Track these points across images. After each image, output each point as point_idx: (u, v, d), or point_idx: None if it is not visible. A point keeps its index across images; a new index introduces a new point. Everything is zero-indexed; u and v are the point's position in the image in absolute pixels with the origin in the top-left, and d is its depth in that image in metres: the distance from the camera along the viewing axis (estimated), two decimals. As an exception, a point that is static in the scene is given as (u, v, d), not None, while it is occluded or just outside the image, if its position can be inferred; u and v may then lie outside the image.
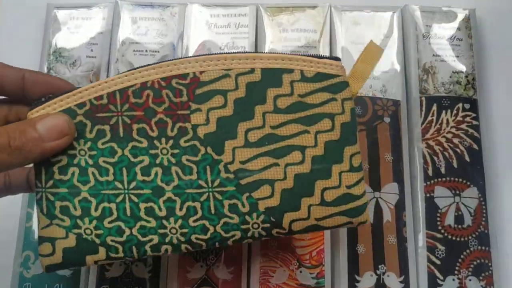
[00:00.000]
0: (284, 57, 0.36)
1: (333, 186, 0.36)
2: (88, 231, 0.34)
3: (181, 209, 0.35)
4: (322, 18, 0.52)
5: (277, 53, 0.36)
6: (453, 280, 0.45)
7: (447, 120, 0.49)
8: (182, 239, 0.35)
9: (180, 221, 0.35)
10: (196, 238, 0.35)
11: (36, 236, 0.47)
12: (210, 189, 0.35)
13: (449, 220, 0.47)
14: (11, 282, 0.46)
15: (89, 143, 0.34)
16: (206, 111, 0.35)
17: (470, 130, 0.49)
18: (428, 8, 0.52)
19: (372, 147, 0.48)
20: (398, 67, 0.50)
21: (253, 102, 0.35)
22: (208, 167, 0.35)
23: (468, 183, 0.47)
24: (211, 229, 0.35)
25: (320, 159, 0.36)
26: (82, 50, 0.52)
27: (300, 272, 0.45)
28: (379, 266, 0.46)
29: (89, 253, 0.34)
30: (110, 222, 0.34)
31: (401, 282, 0.45)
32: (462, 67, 0.50)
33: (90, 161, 0.34)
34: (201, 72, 0.35)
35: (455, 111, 0.49)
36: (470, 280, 0.45)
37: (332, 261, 0.46)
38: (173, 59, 0.35)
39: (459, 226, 0.46)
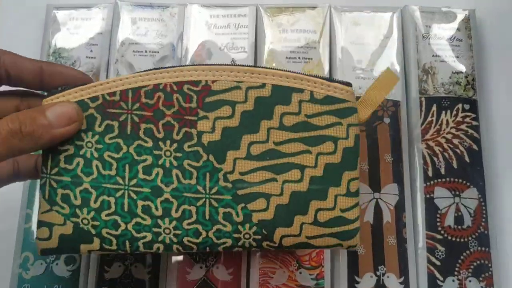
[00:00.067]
0: (296, 76, 0.37)
1: (327, 207, 0.36)
2: (85, 221, 0.35)
3: (177, 211, 0.35)
4: (322, 19, 0.52)
5: (290, 71, 0.37)
6: (453, 281, 0.45)
7: (447, 120, 0.49)
8: (175, 240, 0.36)
9: (174, 223, 0.35)
10: (188, 241, 0.36)
11: (35, 237, 0.46)
12: (207, 196, 0.36)
13: (449, 221, 0.47)
14: (10, 283, 0.46)
15: (96, 137, 0.35)
16: (213, 120, 0.36)
17: (470, 131, 0.49)
18: (428, 9, 0.52)
19: (372, 147, 0.48)
20: (397, 68, 0.50)
21: (260, 117, 0.36)
22: (208, 174, 0.36)
23: (468, 183, 0.47)
24: (204, 234, 0.36)
25: (318, 180, 0.36)
26: (82, 50, 0.52)
27: (300, 273, 0.45)
28: (379, 267, 0.46)
29: (84, 242, 0.35)
30: (107, 215, 0.35)
31: (401, 283, 0.45)
32: (462, 68, 0.50)
33: (96, 154, 0.35)
34: (213, 81, 0.36)
35: (454, 112, 0.49)
36: (470, 281, 0.45)
37: (331, 262, 0.46)
38: (187, 65, 0.36)
39: (459, 227, 0.46)
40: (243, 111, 0.36)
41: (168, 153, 0.36)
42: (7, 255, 0.47)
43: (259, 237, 0.36)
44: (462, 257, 0.46)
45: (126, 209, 0.35)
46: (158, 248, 0.36)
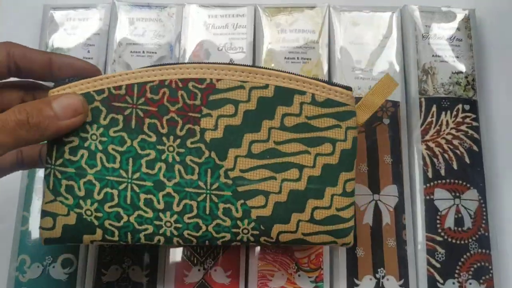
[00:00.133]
0: (299, 79, 0.38)
1: (324, 206, 0.38)
2: (88, 212, 0.36)
3: (178, 205, 0.37)
4: (321, 19, 0.51)
5: (293, 73, 0.38)
6: (453, 283, 0.45)
7: (447, 121, 0.48)
8: (175, 233, 0.37)
9: (175, 216, 0.37)
10: (188, 234, 0.37)
11: (32, 239, 0.46)
12: (208, 191, 0.37)
13: (449, 222, 0.46)
14: (7, 286, 0.46)
15: (101, 129, 0.36)
16: (216, 117, 0.37)
17: (470, 132, 0.48)
18: (428, 8, 0.52)
19: (371, 149, 0.47)
20: (397, 68, 0.50)
21: (262, 116, 0.37)
22: (209, 170, 0.37)
23: (468, 185, 0.47)
24: (203, 228, 0.37)
25: (316, 179, 0.38)
26: (79, 51, 0.52)
27: (299, 275, 0.45)
28: (379, 270, 0.45)
29: (86, 232, 0.36)
30: (110, 207, 0.36)
31: (400, 285, 0.45)
32: (462, 68, 0.50)
33: (100, 147, 0.36)
34: (217, 80, 0.37)
35: (454, 112, 0.49)
36: (470, 283, 0.45)
37: (330, 265, 0.46)
38: (193, 62, 0.37)
39: (459, 229, 0.46)
40: (245, 110, 0.37)
41: (171, 149, 0.37)
42: (4, 258, 0.47)
43: (257, 232, 0.37)
44: (462, 259, 0.45)
45: (129, 201, 0.36)
46: (159, 240, 0.37)
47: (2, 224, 0.49)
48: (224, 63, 0.37)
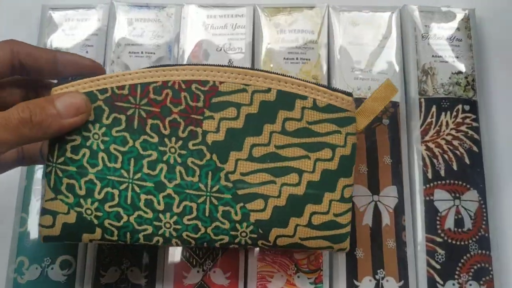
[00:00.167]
0: (301, 84, 0.38)
1: (321, 211, 0.38)
2: (88, 211, 0.36)
3: (178, 206, 0.37)
4: (320, 19, 0.51)
5: (295, 77, 0.38)
6: (453, 285, 0.45)
7: (447, 122, 0.48)
8: (174, 234, 0.37)
9: (175, 217, 0.37)
10: (187, 236, 0.37)
11: (30, 240, 0.46)
12: (208, 193, 0.37)
13: (449, 223, 0.46)
14: (5, 288, 0.46)
15: (103, 129, 0.36)
16: (218, 120, 0.37)
17: (470, 132, 0.48)
18: (427, 8, 0.52)
19: (371, 149, 0.47)
20: (397, 68, 0.50)
21: (263, 120, 0.38)
22: (210, 173, 0.37)
23: (468, 186, 0.47)
24: (202, 229, 0.37)
25: (315, 184, 0.38)
26: (77, 51, 0.52)
27: (298, 277, 0.45)
28: (378, 271, 0.45)
29: (86, 231, 0.36)
30: (110, 207, 0.36)
31: (400, 287, 0.45)
32: (462, 68, 0.50)
33: (102, 146, 0.36)
34: (220, 82, 0.37)
35: (454, 113, 0.48)
36: (470, 284, 0.45)
37: (330, 266, 0.46)
38: (196, 64, 0.37)
39: (459, 230, 0.46)
40: (247, 114, 0.37)
41: (173, 150, 0.37)
42: (2, 260, 0.47)
43: (255, 235, 0.38)
44: (462, 261, 0.45)
45: (129, 202, 0.36)
46: (158, 241, 0.37)
47: (0, 226, 0.48)
48: (227, 66, 0.37)
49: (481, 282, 0.45)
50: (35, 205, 0.47)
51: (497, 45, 0.54)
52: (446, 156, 0.47)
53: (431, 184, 0.47)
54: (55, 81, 0.37)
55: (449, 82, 0.49)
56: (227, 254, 0.45)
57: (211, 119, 0.37)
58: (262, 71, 0.38)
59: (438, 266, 0.45)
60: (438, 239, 0.46)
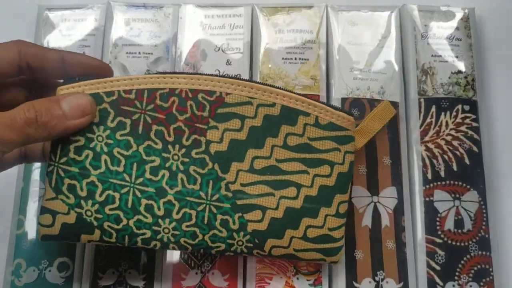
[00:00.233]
0: (305, 100, 0.39)
1: (317, 225, 0.39)
2: (88, 213, 0.36)
3: (178, 213, 0.37)
4: (319, 18, 0.51)
5: (300, 94, 0.39)
6: (453, 286, 0.45)
7: (446, 122, 0.48)
8: (172, 239, 0.37)
9: (174, 223, 0.37)
10: (185, 242, 0.38)
11: (28, 241, 0.46)
12: (208, 202, 0.38)
13: (449, 224, 0.46)
14: (3, 291, 0.45)
15: (108, 132, 0.36)
16: (222, 131, 0.38)
17: (470, 132, 0.48)
18: (427, 7, 0.51)
19: (370, 150, 0.47)
20: (396, 68, 0.49)
21: (266, 134, 0.39)
22: (211, 182, 0.38)
23: (468, 186, 0.47)
24: (200, 236, 0.38)
25: (312, 199, 0.39)
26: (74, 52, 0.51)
27: (297, 279, 0.45)
28: (378, 272, 0.45)
29: (85, 232, 0.37)
30: (111, 210, 0.36)
31: (400, 288, 0.45)
32: (462, 68, 0.49)
33: (105, 149, 0.36)
34: (227, 94, 0.38)
35: (454, 113, 0.48)
36: (470, 286, 0.44)
37: (329, 268, 0.45)
38: (204, 74, 0.38)
39: (459, 231, 0.46)
40: (251, 126, 0.38)
41: (176, 157, 0.37)
42: (-1, 262, 0.46)
43: (251, 245, 0.39)
44: (462, 262, 0.45)
45: (129, 205, 0.36)
46: (155, 245, 0.37)
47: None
48: (234, 78, 0.38)
49: (482, 283, 0.45)
50: (32, 207, 0.47)
51: (497, 45, 0.54)
52: (446, 156, 0.47)
53: (431, 185, 0.47)
54: (61, 81, 0.37)
55: (448, 82, 0.49)
56: (226, 256, 0.45)
57: (215, 129, 0.38)
58: (269, 85, 0.38)
59: (438, 267, 0.45)
60: (438, 240, 0.45)
